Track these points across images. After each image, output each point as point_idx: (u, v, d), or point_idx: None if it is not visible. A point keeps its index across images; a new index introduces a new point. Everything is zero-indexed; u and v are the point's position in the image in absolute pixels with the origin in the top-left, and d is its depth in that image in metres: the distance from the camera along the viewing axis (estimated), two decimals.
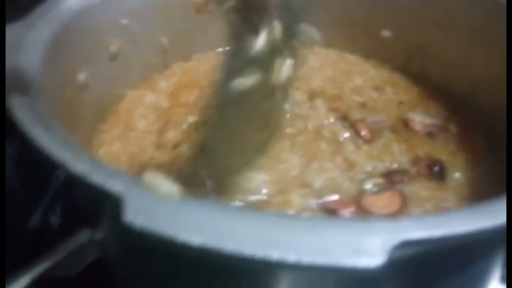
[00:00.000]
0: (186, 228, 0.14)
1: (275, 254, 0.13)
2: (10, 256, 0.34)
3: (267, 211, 0.27)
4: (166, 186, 0.15)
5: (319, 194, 0.30)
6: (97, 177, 0.15)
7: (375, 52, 0.41)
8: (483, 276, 0.23)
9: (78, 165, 0.16)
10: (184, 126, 0.35)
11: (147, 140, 0.33)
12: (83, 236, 0.36)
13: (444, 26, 0.37)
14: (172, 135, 0.34)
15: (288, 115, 0.35)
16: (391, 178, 0.31)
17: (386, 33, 0.40)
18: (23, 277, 0.37)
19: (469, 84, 0.36)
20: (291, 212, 0.28)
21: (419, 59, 0.40)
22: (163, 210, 0.14)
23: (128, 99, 0.35)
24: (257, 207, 0.29)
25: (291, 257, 0.13)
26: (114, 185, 0.15)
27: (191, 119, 0.35)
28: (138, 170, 0.31)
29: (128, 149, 0.33)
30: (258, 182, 0.30)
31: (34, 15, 0.26)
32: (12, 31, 0.24)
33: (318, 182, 0.31)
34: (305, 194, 0.30)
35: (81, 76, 0.30)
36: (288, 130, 0.34)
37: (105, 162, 0.17)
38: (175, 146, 0.33)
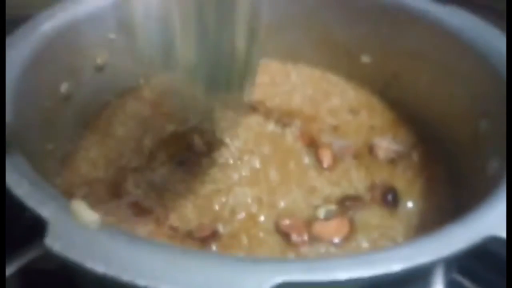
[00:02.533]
0: (94, 256, 0.16)
1: (162, 286, 0.15)
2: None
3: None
4: (88, 215, 0.18)
5: (279, 215, 0.32)
6: (32, 202, 0.18)
7: (356, 75, 0.43)
8: None
9: (18, 189, 0.18)
10: (162, 134, 0.37)
11: (125, 147, 0.36)
12: None
13: (416, 58, 0.38)
14: (149, 143, 0.36)
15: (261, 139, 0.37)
16: (344, 204, 0.33)
17: (365, 58, 0.42)
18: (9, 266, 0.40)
19: (436, 116, 0.37)
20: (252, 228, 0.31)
21: (395, 86, 0.41)
22: (79, 238, 0.17)
23: (111, 107, 0.38)
24: (226, 218, 0.31)
25: None
26: (44, 211, 0.17)
27: (170, 127, 0.38)
28: (113, 175, 0.34)
29: (106, 155, 0.35)
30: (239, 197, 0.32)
31: (17, 34, 0.28)
32: None
33: (282, 203, 0.33)
34: (270, 214, 0.32)
35: (63, 88, 0.33)
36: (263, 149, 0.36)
37: (45, 186, 0.20)
38: (151, 153, 0.36)
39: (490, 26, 0.34)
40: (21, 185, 0.18)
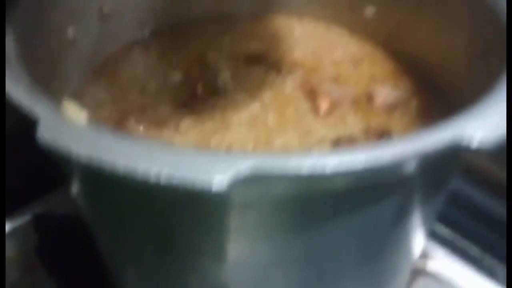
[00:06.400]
0: (79, 145, 0.17)
1: (140, 167, 0.16)
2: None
3: None
4: (77, 112, 0.19)
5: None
6: (26, 102, 0.19)
7: (359, 27, 0.43)
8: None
9: (15, 93, 0.20)
10: (166, 81, 0.38)
11: (130, 90, 0.37)
12: None
13: (418, 8, 0.38)
14: (153, 87, 0.38)
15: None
16: (338, 144, 0.33)
17: (369, 10, 0.42)
18: (24, 214, 0.43)
19: (436, 65, 0.38)
20: None
21: (398, 37, 0.41)
22: (67, 131, 0.18)
23: (117, 55, 0.39)
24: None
25: (152, 170, 0.16)
26: (37, 109, 0.19)
27: (174, 75, 0.39)
28: (118, 114, 0.35)
29: (111, 97, 0.37)
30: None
31: None
32: None
33: (277, 142, 0.34)
34: (264, 152, 0.33)
35: (70, 31, 0.34)
36: (264, 97, 0.37)
37: (41, 92, 0.21)
38: (155, 96, 0.37)
39: None
40: (17, 89, 0.20)
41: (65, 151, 0.17)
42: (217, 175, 0.16)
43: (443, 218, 0.42)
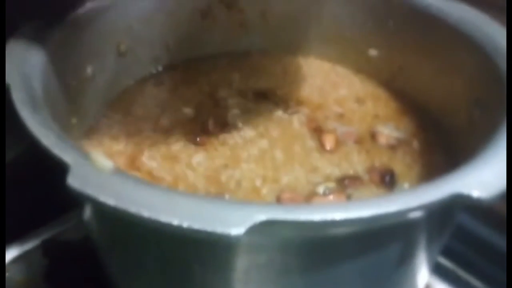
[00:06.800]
0: (106, 193, 0.19)
1: (162, 217, 0.18)
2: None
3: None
4: (104, 161, 0.20)
5: (281, 189, 0.34)
6: (57, 150, 0.21)
7: (363, 67, 0.45)
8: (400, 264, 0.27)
9: (45, 140, 0.21)
10: (179, 116, 0.40)
11: (144, 125, 0.39)
12: None
13: (420, 51, 0.40)
14: (166, 122, 0.39)
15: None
16: (343, 183, 0.35)
17: (372, 52, 0.44)
18: (33, 239, 0.44)
19: (437, 106, 0.39)
20: (255, 199, 0.33)
21: (400, 78, 0.43)
22: (95, 178, 0.19)
23: (131, 90, 0.41)
24: (232, 189, 0.33)
25: (174, 221, 0.18)
26: (67, 157, 0.20)
27: (186, 110, 0.40)
28: (132, 149, 0.37)
29: (126, 131, 0.38)
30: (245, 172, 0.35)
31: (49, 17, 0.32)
32: (28, 29, 0.30)
33: (285, 179, 0.35)
34: (272, 188, 0.34)
35: (89, 69, 0.36)
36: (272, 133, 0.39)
37: (68, 141, 0.23)
38: (167, 131, 0.38)
39: (489, 19, 0.36)
40: (48, 137, 0.21)
41: (93, 198, 0.19)
42: (234, 228, 0.17)
43: (445, 250, 0.43)
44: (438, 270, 0.44)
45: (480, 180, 0.21)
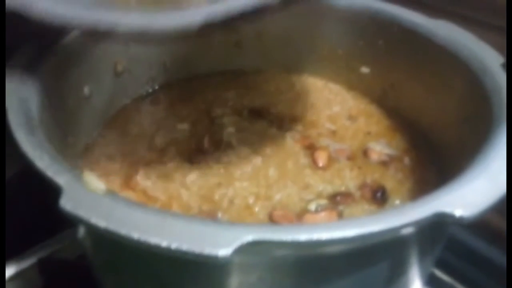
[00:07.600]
0: (98, 214, 0.19)
1: (152, 239, 0.18)
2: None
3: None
4: (96, 183, 0.21)
5: (273, 207, 0.35)
6: (50, 172, 0.21)
7: (356, 85, 0.46)
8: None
9: (39, 162, 0.22)
10: (174, 134, 0.41)
11: (139, 144, 0.39)
12: None
13: (411, 69, 0.41)
14: (161, 141, 0.40)
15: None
16: (335, 199, 0.35)
17: (365, 69, 0.45)
18: (30, 257, 0.44)
19: (429, 124, 0.40)
20: (248, 216, 0.34)
21: (392, 96, 0.44)
22: (87, 200, 0.20)
23: (127, 109, 0.42)
24: (224, 207, 0.34)
25: (163, 243, 0.18)
26: (60, 179, 0.21)
27: (181, 127, 0.41)
28: (127, 168, 0.37)
29: (121, 150, 0.39)
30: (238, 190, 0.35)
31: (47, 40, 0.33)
32: (27, 50, 0.31)
33: (277, 197, 0.36)
34: (265, 206, 0.35)
35: (86, 89, 0.37)
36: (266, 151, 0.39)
37: (62, 163, 0.23)
38: (162, 150, 0.39)
39: (476, 38, 0.37)
40: (42, 159, 0.22)
41: (85, 220, 0.19)
42: (221, 249, 0.18)
43: (442, 264, 0.43)
44: (434, 283, 0.44)
45: (463, 198, 0.21)
